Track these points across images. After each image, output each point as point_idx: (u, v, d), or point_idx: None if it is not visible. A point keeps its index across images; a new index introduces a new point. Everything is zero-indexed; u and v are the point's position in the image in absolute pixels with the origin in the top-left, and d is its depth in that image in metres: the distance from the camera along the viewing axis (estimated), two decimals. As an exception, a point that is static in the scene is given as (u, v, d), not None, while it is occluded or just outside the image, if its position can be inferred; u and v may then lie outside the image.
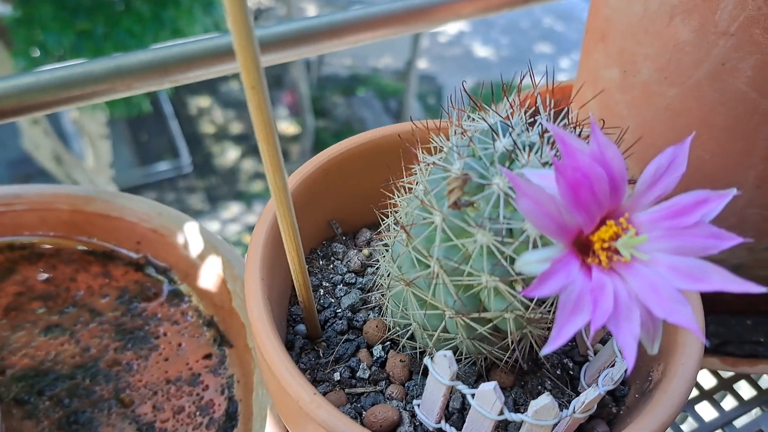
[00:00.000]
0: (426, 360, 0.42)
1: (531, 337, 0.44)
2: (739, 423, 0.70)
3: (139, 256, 0.76)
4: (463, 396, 0.47)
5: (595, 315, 0.32)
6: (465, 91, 0.42)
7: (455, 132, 0.41)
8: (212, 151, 5.66)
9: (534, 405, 0.40)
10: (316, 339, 0.51)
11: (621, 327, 0.33)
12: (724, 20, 0.56)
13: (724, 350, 0.71)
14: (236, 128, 6.05)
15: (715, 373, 0.75)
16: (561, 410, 0.42)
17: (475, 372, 0.49)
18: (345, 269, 0.55)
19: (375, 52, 6.79)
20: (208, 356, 0.69)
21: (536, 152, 0.38)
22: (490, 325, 0.42)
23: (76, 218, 0.76)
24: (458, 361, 0.48)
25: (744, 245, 0.68)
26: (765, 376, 0.75)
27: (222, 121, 6.05)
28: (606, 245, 0.35)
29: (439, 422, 0.44)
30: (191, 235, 0.74)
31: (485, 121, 0.39)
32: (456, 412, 0.47)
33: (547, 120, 0.40)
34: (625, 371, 0.43)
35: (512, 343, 0.44)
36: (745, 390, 0.73)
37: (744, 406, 0.71)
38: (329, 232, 0.59)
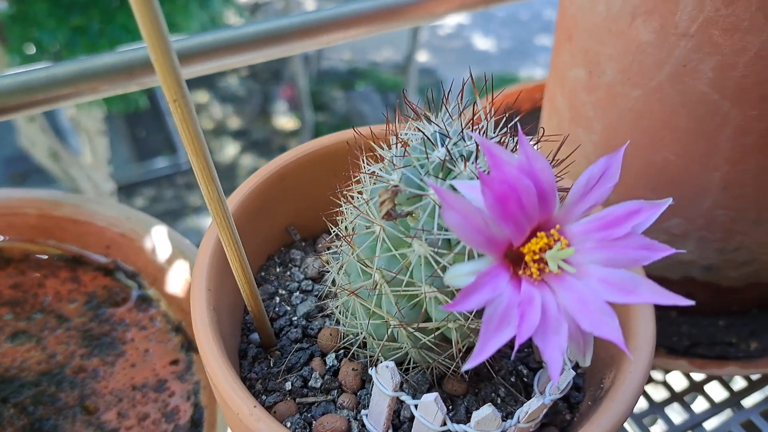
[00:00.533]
0: (371, 370, 0.42)
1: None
2: (709, 425, 0.69)
3: (109, 261, 0.76)
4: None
5: (521, 329, 0.32)
6: (405, 98, 0.41)
7: (394, 141, 0.41)
8: (211, 147, 5.65)
9: (476, 416, 0.40)
10: (269, 348, 0.51)
11: (548, 340, 0.32)
12: (684, 21, 0.55)
13: (694, 352, 0.71)
14: (235, 124, 6.04)
15: (686, 375, 0.74)
16: (507, 420, 0.42)
17: (427, 381, 0.48)
18: (302, 276, 0.55)
19: (374, 46, 6.76)
20: (175, 362, 0.69)
21: (472, 162, 0.38)
22: (435, 334, 0.42)
23: (45, 223, 0.76)
24: (409, 370, 0.47)
25: (713, 246, 0.68)
26: (737, 377, 0.75)
27: (220, 117, 6.04)
28: (537, 257, 0.34)
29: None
30: (159, 240, 0.74)
31: (421, 131, 0.39)
32: (407, 421, 0.47)
33: (482, 130, 0.40)
34: (572, 380, 0.43)
35: (459, 352, 0.43)
36: (717, 392, 0.73)
37: (715, 408, 0.71)
38: (288, 238, 0.59)
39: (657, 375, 0.75)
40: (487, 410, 0.39)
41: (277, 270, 0.56)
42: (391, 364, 0.40)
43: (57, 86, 0.71)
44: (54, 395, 0.65)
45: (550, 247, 0.34)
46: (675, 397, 0.72)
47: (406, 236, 0.38)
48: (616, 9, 0.60)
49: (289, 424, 0.45)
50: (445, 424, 0.40)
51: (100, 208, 0.76)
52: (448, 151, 0.38)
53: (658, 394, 0.73)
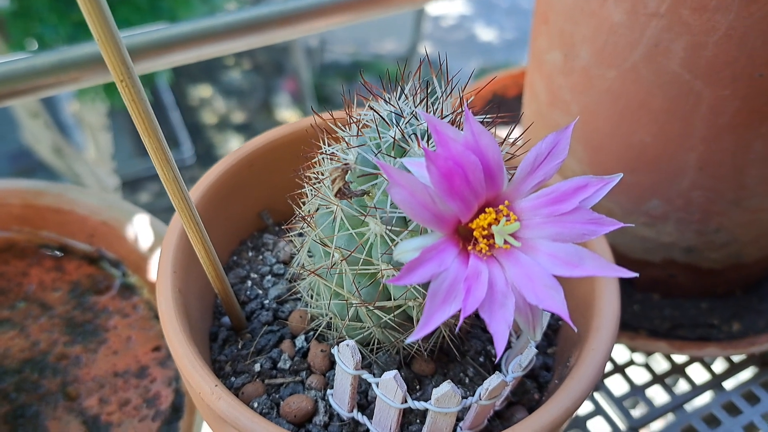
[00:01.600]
0: (333, 350, 0.42)
1: (443, 327, 0.44)
2: (689, 406, 0.70)
3: (93, 249, 0.76)
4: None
5: (466, 303, 0.32)
6: (363, 80, 0.41)
7: (349, 122, 0.41)
8: (214, 141, 5.66)
9: (436, 393, 0.40)
10: (240, 331, 0.51)
11: (494, 314, 0.32)
12: (653, 2, 0.55)
13: (675, 334, 0.71)
14: (238, 117, 6.04)
15: (668, 357, 0.74)
16: (467, 398, 0.42)
17: (395, 361, 0.49)
18: (274, 260, 0.55)
19: (377, 37, 6.74)
20: (157, 348, 0.69)
21: (426, 141, 0.38)
22: (396, 313, 0.42)
23: (28, 213, 0.76)
24: (377, 350, 0.48)
25: (692, 228, 0.68)
26: (719, 360, 0.74)
27: (224, 111, 6.05)
28: (485, 233, 0.34)
29: (351, 411, 0.44)
30: (141, 228, 0.74)
31: (375, 111, 0.39)
32: (374, 401, 0.47)
33: (436, 109, 0.40)
34: (535, 358, 0.43)
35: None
36: (699, 374, 0.73)
37: (696, 390, 0.71)
38: (262, 223, 0.59)
39: (638, 358, 0.75)
40: (446, 387, 0.39)
41: (250, 254, 0.56)
42: (352, 342, 0.41)
43: (37, 76, 0.71)
44: (36, 382, 0.66)
45: (499, 222, 0.34)
46: (656, 379, 0.72)
47: (362, 215, 0.39)
48: (588, -10, 0.59)
49: (256, 405, 0.46)
50: (405, 401, 0.41)
51: (82, 197, 0.76)
52: (401, 130, 0.38)
53: (639, 377, 0.73)
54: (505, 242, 0.34)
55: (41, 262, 0.76)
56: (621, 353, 0.74)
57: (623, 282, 0.75)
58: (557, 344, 0.53)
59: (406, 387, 0.40)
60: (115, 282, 0.74)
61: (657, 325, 0.72)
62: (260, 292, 0.53)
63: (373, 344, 0.46)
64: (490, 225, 0.34)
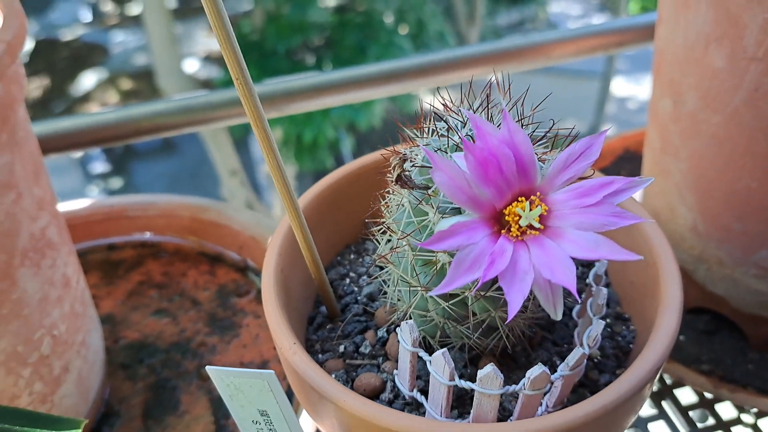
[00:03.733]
0: (397, 329, 0.48)
1: (499, 321, 0.48)
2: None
3: (240, 259, 0.88)
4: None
5: (488, 272, 0.37)
6: (441, 97, 0.48)
7: (423, 129, 0.48)
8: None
9: (480, 374, 0.44)
10: (334, 318, 0.58)
11: (513, 285, 0.37)
12: (752, 45, 0.57)
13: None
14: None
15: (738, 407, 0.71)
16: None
17: (462, 359, 0.53)
18: (371, 263, 0.62)
19: (558, 114, 6.71)
20: (279, 347, 0.78)
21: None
22: (453, 301, 0.47)
23: (194, 225, 0.90)
24: (446, 346, 0.52)
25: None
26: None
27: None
28: (517, 218, 0.39)
29: (412, 390, 0.49)
30: (280, 243, 0.85)
31: (446, 122, 0.45)
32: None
33: (488, 115, 0.45)
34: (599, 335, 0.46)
35: (480, 324, 0.48)
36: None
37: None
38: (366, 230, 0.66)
39: (747, 418, 0.71)
40: (488, 369, 0.44)
41: (351, 257, 0.64)
42: (411, 321, 0.46)
43: (212, 109, 0.86)
44: (178, 362, 0.77)
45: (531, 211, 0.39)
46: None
47: (425, 206, 0.45)
48: (692, 38, 0.62)
49: (333, 376, 0.52)
50: (453, 379, 0.45)
51: (237, 215, 0.89)
52: (461, 136, 0.44)
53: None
54: (533, 227, 0.38)
55: (198, 266, 0.89)
56: (727, 410, 0.72)
57: (737, 339, 0.73)
58: (626, 366, 0.54)
59: (454, 365, 0.45)
60: (255, 288, 0.85)
61: (740, 377, 0.69)
62: (356, 289, 0.60)
63: (443, 338, 0.51)
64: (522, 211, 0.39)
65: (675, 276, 0.50)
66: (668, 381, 0.74)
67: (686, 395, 0.73)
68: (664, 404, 0.72)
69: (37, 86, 6.06)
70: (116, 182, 6.18)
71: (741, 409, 0.71)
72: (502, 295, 0.45)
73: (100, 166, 6.22)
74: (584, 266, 0.61)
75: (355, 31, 5.04)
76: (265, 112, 0.85)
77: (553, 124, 0.45)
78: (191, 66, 6.43)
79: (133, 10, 7.04)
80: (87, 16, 7.06)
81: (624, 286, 0.58)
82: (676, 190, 0.71)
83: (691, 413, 0.71)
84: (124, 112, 0.84)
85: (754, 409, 0.67)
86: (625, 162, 0.97)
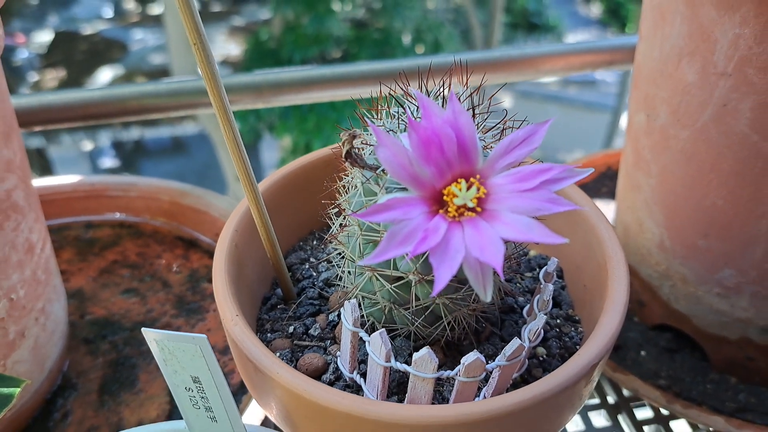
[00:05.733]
0: (341, 309, 0.48)
1: (443, 309, 0.48)
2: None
3: (215, 246, 0.89)
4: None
5: (417, 245, 0.37)
6: (402, 86, 0.49)
7: (379, 113, 0.48)
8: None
9: (415, 356, 0.44)
10: (289, 301, 0.59)
11: (443, 262, 0.37)
12: (722, 61, 0.58)
13: (740, 416, 0.67)
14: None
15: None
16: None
17: (409, 347, 0.53)
18: (332, 249, 0.63)
19: (567, 145, 6.74)
20: (243, 334, 0.78)
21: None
22: (398, 284, 0.47)
23: (173, 208, 0.91)
24: (394, 336, 0.53)
25: (769, 305, 0.65)
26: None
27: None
28: (454, 198, 0.39)
29: (352, 372, 0.50)
30: (255, 232, 0.85)
31: (400, 104, 0.46)
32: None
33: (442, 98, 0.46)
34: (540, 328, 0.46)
35: (424, 311, 0.48)
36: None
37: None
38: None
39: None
40: (423, 351, 0.44)
41: (314, 242, 0.64)
42: (353, 301, 0.46)
43: (200, 94, 0.87)
44: (141, 341, 0.78)
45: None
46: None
47: (375, 187, 0.45)
48: (666, 52, 0.63)
49: (278, 354, 0.52)
50: (389, 360, 0.45)
51: (216, 201, 0.89)
52: (409, 115, 0.44)
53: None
54: (469, 209, 0.39)
55: (174, 249, 0.89)
56: (683, 428, 0.71)
57: (699, 358, 0.73)
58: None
59: (391, 346, 0.45)
60: (225, 275, 0.86)
61: (726, 406, 0.68)
62: (314, 274, 0.61)
63: (388, 323, 0.51)
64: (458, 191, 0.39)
65: (623, 278, 0.50)
66: (626, 395, 0.73)
67: (643, 411, 0.73)
68: (620, 418, 0.72)
69: (53, 77, 6.13)
70: (123, 178, 6.21)
71: (695, 427, 0.70)
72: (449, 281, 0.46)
73: (109, 161, 6.27)
74: (539, 266, 0.61)
75: (372, 46, 5.08)
76: (251, 103, 0.86)
77: (506, 114, 0.45)
78: (207, 69, 6.48)
79: (155, 9, 7.12)
80: (109, 12, 7.15)
81: (578, 289, 0.58)
82: (645, 206, 0.71)
83: (646, 429, 0.70)
84: (111, 91, 0.85)
85: (711, 429, 0.67)
86: (607, 179, 0.97)
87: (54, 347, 0.70)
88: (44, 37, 6.55)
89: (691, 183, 0.65)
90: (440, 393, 0.50)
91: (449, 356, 0.53)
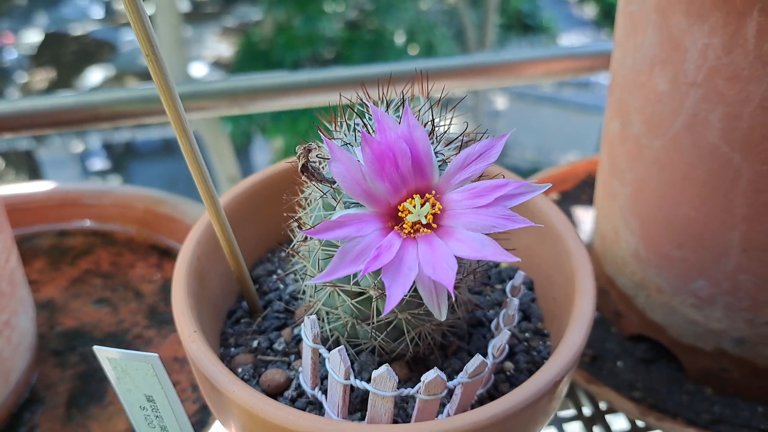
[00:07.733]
0: (301, 326, 0.47)
1: (406, 324, 0.48)
2: None
3: (190, 255, 0.88)
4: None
5: (370, 265, 0.36)
6: (362, 97, 0.48)
7: (339, 125, 0.47)
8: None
9: (374, 374, 0.43)
10: (255, 314, 0.58)
11: (396, 281, 0.36)
12: (692, 70, 0.57)
13: (714, 428, 0.66)
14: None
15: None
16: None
17: (374, 362, 0.52)
18: (297, 263, 0.62)
19: (561, 147, 6.74)
20: (215, 344, 0.77)
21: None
22: (359, 299, 0.46)
23: (148, 217, 0.90)
24: (358, 352, 0.52)
25: (742, 316, 0.64)
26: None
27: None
28: (408, 215, 0.39)
29: (314, 388, 0.49)
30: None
31: (359, 117, 0.45)
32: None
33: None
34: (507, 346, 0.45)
35: (386, 326, 0.47)
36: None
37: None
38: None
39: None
40: (382, 369, 0.43)
41: (282, 254, 0.63)
42: (313, 317, 0.45)
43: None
44: (112, 352, 0.76)
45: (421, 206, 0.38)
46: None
47: (333, 201, 0.44)
48: (639, 60, 0.62)
49: (240, 370, 0.51)
50: (348, 377, 0.44)
51: (191, 209, 0.88)
52: (366, 129, 0.43)
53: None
54: (424, 226, 0.38)
55: (147, 258, 0.88)
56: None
57: (675, 369, 0.72)
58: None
59: (350, 363, 0.44)
60: (199, 284, 0.84)
61: (700, 417, 0.67)
62: (281, 286, 0.60)
63: (353, 338, 0.50)
64: (414, 208, 0.38)
65: (589, 292, 0.49)
66: (602, 407, 0.73)
67: (619, 423, 0.72)
68: (596, 429, 0.71)
69: (42, 78, 6.09)
70: (114, 180, 6.20)
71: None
72: (410, 297, 0.45)
73: (99, 163, 6.24)
74: (510, 278, 0.61)
75: (364, 47, 5.07)
76: (227, 109, 0.85)
77: (467, 126, 0.44)
78: (199, 70, 6.47)
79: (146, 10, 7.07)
80: (99, 12, 7.12)
81: (548, 302, 0.57)
82: (620, 214, 0.71)
83: (620, 441, 0.70)
84: (83, 97, 0.84)
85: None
86: (588, 186, 0.96)
87: (20, 360, 0.68)
88: (33, 37, 6.52)
89: (664, 193, 0.64)
90: (404, 410, 0.50)
91: (415, 371, 0.53)
